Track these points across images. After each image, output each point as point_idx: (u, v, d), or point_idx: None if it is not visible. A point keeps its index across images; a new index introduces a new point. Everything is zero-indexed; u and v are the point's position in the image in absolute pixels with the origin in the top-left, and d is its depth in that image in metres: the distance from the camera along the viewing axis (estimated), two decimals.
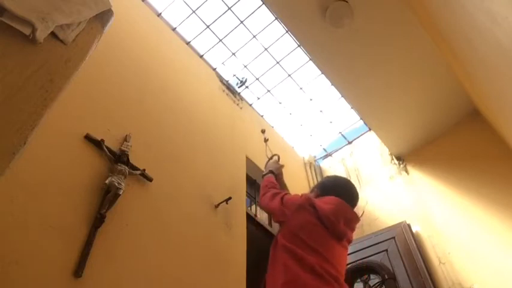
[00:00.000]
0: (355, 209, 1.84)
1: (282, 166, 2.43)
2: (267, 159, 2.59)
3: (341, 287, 1.46)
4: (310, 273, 1.42)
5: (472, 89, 2.88)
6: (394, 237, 3.07)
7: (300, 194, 1.91)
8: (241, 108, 3.79)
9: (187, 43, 3.62)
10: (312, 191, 1.99)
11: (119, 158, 1.91)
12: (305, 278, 1.41)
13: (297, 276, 1.43)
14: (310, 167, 4.37)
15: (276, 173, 2.30)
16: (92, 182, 1.76)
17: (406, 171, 3.63)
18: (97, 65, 2.10)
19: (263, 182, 2.17)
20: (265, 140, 2.86)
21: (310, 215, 1.66)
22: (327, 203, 1.71)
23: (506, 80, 1.67)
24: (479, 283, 2.59)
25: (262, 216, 3.17)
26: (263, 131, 2.98)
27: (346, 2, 2.62)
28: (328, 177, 2.27)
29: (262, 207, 2.07)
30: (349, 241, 1.76)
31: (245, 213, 2.74)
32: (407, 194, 3.45)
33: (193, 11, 3.46)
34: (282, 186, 2.33)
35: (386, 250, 3.02)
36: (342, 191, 1.82)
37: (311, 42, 3.00)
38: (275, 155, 2.60)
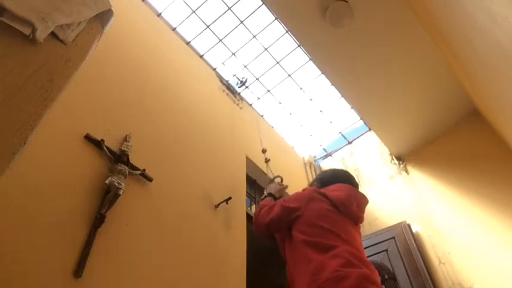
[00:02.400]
0: None
1: (285, 187, 2.25)
2: (269, 181, 2.43)
3: (369, 267, 1.43)
4: (339, 262, 1.38)
5: (472, 89, 2.88)
6: (394, 237, 3.07)
7: (302, 190, 1.90)
8: (241, 108, 3.79)
9: (187, 43, 3.62)
10: (311, 185, 1.98)
11: (119, 158, 1.90)
12: (335, 266, 1.36)
13: (329, 267, 1.37)
14: (310, 167, 4.37)
15: (277, 196, 2.13)
16: (92, 182, 1.76)
17: (406, 171, 3.63)
18: (97, 65, 2.10)
19: (259, 205, 2.01)
20: (266, 161, 2.72)
21: (324, 203, 1.64)
22: (336, 190, 1.72)
23: (506, 80, 1.67)
24: (479, 283, 2.59)
25: None
26: (264, 151, 2.81)
27: (346, 2, 2.62)
28: (324, 170, 2.23)
29: (262, 228, 1.83)
30: (361, 223, 1.76)
31: (245, 213, 2.74)
32: (407, 194, 3.45)
33: (193, 11, 3.46)
34: None
35: (387, 250, 3.03)
36: (343, 179, 1.84)
37: (311, 42, 3.00)
38: (277, 176, 2.42)
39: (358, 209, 1.71)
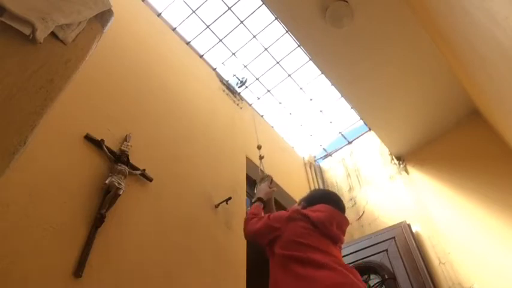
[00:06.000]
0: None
1: (273, 190, 2.27)
2: (259, 178, 2.41)
3: (352, 273, 1.48)
4: (328, 271, 1.43)
5: (472, 89, 2.88)
6: (394, 237, 3.07)
7: (286, 210, 1.94)
8: (241, 108, 3.79)
9: (187, 43, 3.62)
10: (298, 204, 2.02)
11: (119, 158, 1.90)
12: (320, 276, 1.41)
13: (312, 277, 1.42)
14: (310, 167, 4.37)
15: (265, 199, 2.15)
16: (92, 182, 1.76)
17: (406, 171, 3.63)
18: (97, 65, 2.10)
19: (248, 212, 2.06)
20: (260, 158, 2.67)
21: (304, 222, 1.69)
22: (317, 210, 1.77)
23: (506, 80, 1.67)
24: (479, 283, 2.58)
25: None
26: (259, 147, 2.78)
27: (346, 2, 2.62)
28: (312, 190, 2.26)
29: (248, 236, 1.93)
30: (342, 244, 1.81)
31: (245, 213, 2.74)
32: (407, 194, 3.45)
33: (193, 11, 3.46)
34: (271, 211, 2.20)
35: (387, 250, 3.02)
36: (329, 200, 1.89)
37: (311, 42, 3.00)
38: (267, 176, 2.38)
39: (339, 229, 1.76)
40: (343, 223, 1.82)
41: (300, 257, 1.52)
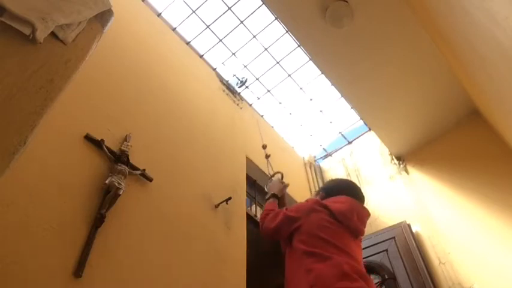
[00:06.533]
0: None
1: (286, 186, 2.24)
2: (269, 176, 2.40)
3: (366, 281, 1.46)
4: (337, 273, 1.41)
5: (472, 89, 2.89)
6: (394, 237, 3.07)
7: (305, 200, 1.91)
8: (241, 108, 3.79)
9: (187, 43, 3.62)
10: (317, 194, 2.00)
11: (119, 158, 1.90)
12: (332, 279, 1.39)
13: (325, 278, 1.41)
14: (310, 167, 4.37)
15: (279, 196, 2.12)
16: (92, 182, 1.76)
17: (406, 171, 3.63)
18: (97, 65, 2.10)
19: (264, 210, 2.01)
20: (267, 157, 2.65)
21: (324, 215, 1.67)
22: (338, 202, 1.75)
23: (505, 80, 1.67)
24: (479, 283, 2.59)
25: None
26: (264, 147, 2.77)
27: (346, 2, 2.62)
28: (331, 180, 2.21)
29: (267, 233, 1.84)
30: (362, 236, 1.78)
31: (245, 213, 2.74)
32: (407, 194, 3.45)
33: (193, 11, 3.46)
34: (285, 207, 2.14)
35: (387, 250, 3.03)
36: (348, 191, 1.87)
37: (311, 42, 3.00)
38: (278, 172, 2.38)
39: (359, 221, 1.74)
40: (364, 214, 1.80)
41: (319, 256, 1.50)
